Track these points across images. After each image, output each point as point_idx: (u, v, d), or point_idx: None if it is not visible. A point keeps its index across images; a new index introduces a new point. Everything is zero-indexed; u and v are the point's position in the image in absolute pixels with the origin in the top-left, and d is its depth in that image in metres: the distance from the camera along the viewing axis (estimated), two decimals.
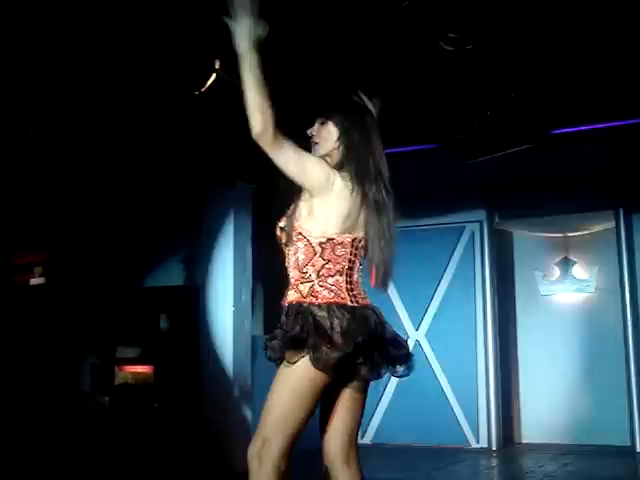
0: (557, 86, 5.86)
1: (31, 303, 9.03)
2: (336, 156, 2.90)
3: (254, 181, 7.70)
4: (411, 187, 8.51)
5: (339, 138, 2.90)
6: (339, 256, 2.80)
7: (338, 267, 2.79)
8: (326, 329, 2.66)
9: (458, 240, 8.94)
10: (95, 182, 7.70)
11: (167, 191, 7.93)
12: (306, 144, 2.89)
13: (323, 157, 2.88)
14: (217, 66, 5.24)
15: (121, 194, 8.02)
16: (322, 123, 2.93)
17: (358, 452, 2.83)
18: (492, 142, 6.24)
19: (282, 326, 2.76)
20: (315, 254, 2.80)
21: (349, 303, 2.75)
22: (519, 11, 4.83)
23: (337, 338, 2.64)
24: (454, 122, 6.20)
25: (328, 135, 2.92)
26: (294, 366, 2.65)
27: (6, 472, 6.04)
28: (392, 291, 9.05)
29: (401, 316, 9.00)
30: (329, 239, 2.79)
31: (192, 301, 7.78)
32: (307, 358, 2.64)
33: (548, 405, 8.61)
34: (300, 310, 2.73)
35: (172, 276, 8.47)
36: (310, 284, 2.77)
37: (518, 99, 5.84)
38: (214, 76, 5.25)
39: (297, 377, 2.66)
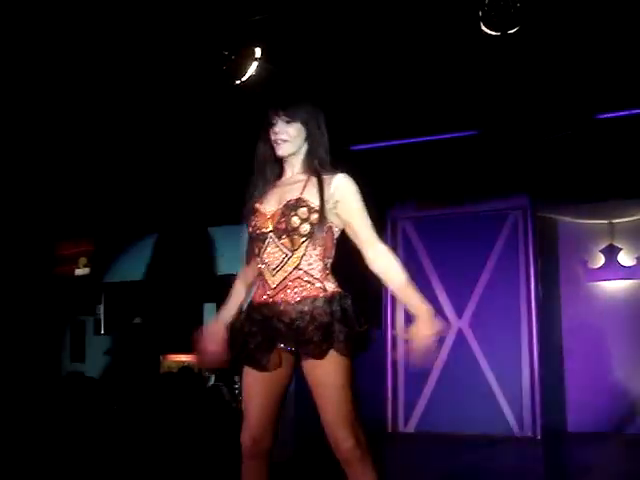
0: (602, 70, 5.77)
1: (75, 293, 9.17)
2: (302, 154, 2.95)
3: None
4: (453, 174, 8.49)
5: (307, 137, 2.94)
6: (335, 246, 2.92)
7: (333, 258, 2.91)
8: (351, 315, 2.76)
9: (501, 227, 8.84)
10: (141, 173, 7.78)
11: (207, 180, 7.98)
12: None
13: (289, 156, 2.94)
14: (258, 55, 5.25)
15: (165, 185, 8.09)
16: (288, 122, 2.93)
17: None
18: (536, 127, 6.17)
19: (297, 319, 2.75)
20: (333, 246, 2.88)
21: (342, 290, 2.86)
22: None
23: (361, 322, 2.77)
24: (497, 108, 6.15)
25: (296, 133, 2.93)
26: (330, 358, 2.71)
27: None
28: (435, 279, 9.01)
29: (443, 304, 8.95)
30: (342, 230, 2.91)
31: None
32: (343, 346, 2.71)
33: (593, 393, 8.50)
34: (324, 301, 2.77)
35: (215, 265, 8.51)
36: (326, 274, 2.85)
37: (562, 83, 5.76)
38: (255, 65, 5.26)
39: (345, 364, 2.74)
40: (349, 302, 2.79)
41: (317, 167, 2.89)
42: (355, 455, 2.69)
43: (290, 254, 2.80)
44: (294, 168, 2.96)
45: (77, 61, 5.72)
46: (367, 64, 5.54)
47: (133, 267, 8.97)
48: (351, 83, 5.74)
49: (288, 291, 2.79)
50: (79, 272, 9.21)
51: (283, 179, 2.97)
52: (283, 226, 2.79)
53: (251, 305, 2.93)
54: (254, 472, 2.85)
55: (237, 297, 3.07)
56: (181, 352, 8.87)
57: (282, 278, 2.80)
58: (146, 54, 5.62)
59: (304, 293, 2.77)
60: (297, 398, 5.65)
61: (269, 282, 2.83)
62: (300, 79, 5.56)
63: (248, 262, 3.03)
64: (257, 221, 2.87)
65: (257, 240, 2.87)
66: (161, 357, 8.91)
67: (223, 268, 8.50)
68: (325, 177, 2.85)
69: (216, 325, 3.00)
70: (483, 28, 4.72)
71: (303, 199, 2.81)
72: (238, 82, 5.30)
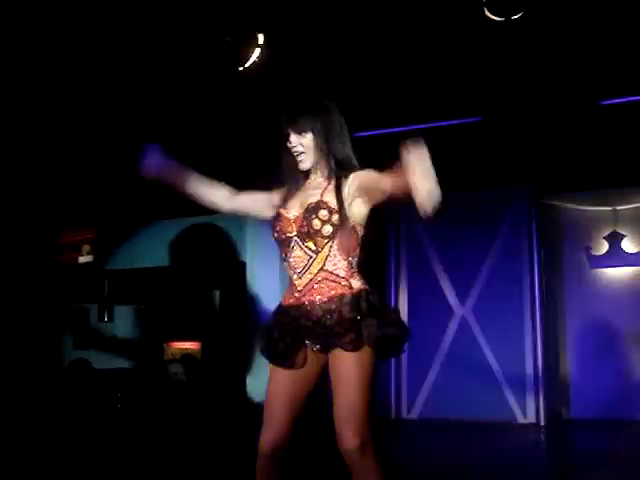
0: (606, 56, 5.75)
1: (79, 281, 9.19)
2: (322, 158, 2.94)
3: None
4: (456, 161, 8.45)
5: (322, 146, 2.93)
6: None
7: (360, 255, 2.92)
8: (379, 310, 2.77)
9: (505, 215, 8.83)
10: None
11: (210, 168, 7.97)
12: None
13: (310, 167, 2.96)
14: (261, 41, 5.24)
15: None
16: (300, 133, 2.92)
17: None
18: (539, 114, 6.15)
19: (325, 317, 2.76)
20: (357, 245, 2.90)
21: (369, 287, 2.86)
22: None
23: (389, 319, 2.77)
24: (500, 94, 6.13)
25: (311, 143, 2.93)
26: (357, 354, 2.72)
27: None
28: (438, 267, 9.00)
29: (447, 292, 8.95)
30: (366, 227, 2.92)
31: (239, 277, 7.84)
32: (367, 343, 2.72)
33: (596, 380, 8.51)
34: (352, 298, 2.78)
35: (219, 252, 8.51)
36: (352, 272, 2.86)
37: (566, 70, 5.74)
38: (258, 51, 5.25)
39: (370, 363, 2.75)
40: (376, 297, 2.81)
41: (345, 164, 2.92)
42: (359, 455, 2.69)
43: (314, 256, 2.83)
44: (317, 172, 2.97)
45: (77, 50, 5.70)
46: (369, 50, 5.52)
47: (137, 254, 8.98)
48: (353, 70, 5.72)
49: (315, 292, 2.82)
50: (82, 260, 9.22)
51: (307, 183, 2.99)
52: (305, 229, 2.83)
53: (279, 308, 2.95)
54: (269, 470, 2.84)
55: (203, 182, 3.28)
56: (184, 339, 8.89)
57: (308, 280, 2.83)
58: (150, 41, 5.61)
59: (331, 292, 2.80)
60: None
61: (296, 284, 2.86)
62: (300, 66, 5.54)
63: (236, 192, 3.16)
64: (281, 226, 2.91)
65: (283, 244, 2.91)
66: (164, 344, 8.92)
67: (228, 256, 8.50)
68: (343, 177, 2.87)
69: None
70: (487, 13, 4.70)
71: (323, 201, 2.84)
72: (241, 68, 5.29)
